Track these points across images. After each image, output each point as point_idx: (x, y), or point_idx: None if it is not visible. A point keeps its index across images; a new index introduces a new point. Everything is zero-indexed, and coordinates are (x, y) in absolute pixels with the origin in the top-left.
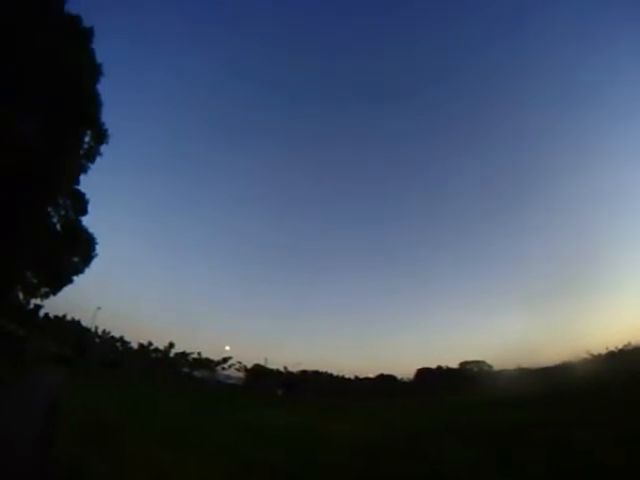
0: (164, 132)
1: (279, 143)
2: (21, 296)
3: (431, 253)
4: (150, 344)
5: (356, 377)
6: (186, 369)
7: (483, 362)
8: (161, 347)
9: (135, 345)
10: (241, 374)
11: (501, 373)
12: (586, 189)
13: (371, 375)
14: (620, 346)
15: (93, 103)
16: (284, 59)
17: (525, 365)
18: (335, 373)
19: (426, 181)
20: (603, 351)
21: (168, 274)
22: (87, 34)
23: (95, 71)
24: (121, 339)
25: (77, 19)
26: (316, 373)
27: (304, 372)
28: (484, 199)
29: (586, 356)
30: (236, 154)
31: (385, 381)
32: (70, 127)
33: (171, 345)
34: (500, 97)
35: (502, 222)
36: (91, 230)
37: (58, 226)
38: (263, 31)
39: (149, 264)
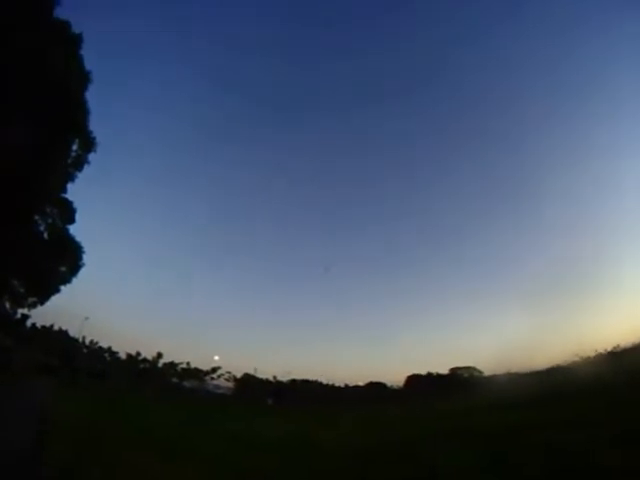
0: (153, 142)
1: (269, 151)
2: (8, 305)
3: (418, 260)
4: (138, 354)
5: (346, 385)
6: (175, 379)
7: (473, 367)
8: (149, 357)
9: (123, 355)
10: (230, 384)
11: (492, 378)
12: (583, 186)
13: (361, 383)
14: (609, 348)
15: (81, 111)
16: (269, 66)
17: (516, 369)
18: (325, 381)
19: (418, 183)
20: (592, 353)
21: (156, 284)
22: (76, 40)
23: (84, 78)
24: (109, 349)
25: (67, 24)
26: (306, 382)
27: (294, 381)
28: (480, 202)
29: (576, 359)
30: (225, 163)
31: (375, 388)
32: (58, 134)
33: (159, 355)
34: (494, 95)
35: (495, 225)
36: (78, 239)
37: (45, 234)
38: (249, 40)
39: (137, 274)
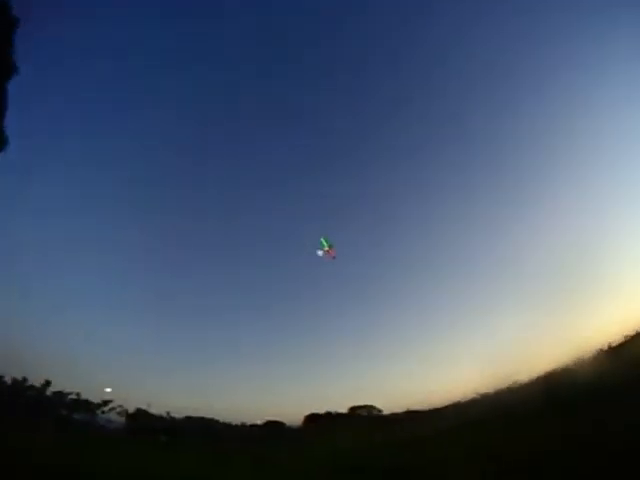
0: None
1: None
2: None
3: (321, 293)
4: (25, 380)
5: (242, 423)
6: (64, 411)
7: (372, 406)
8: (37, 384)
9: (9, 380)
10: (123, 419)
11: (391, 416)
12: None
13: (259, 421)
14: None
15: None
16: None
17: (415, 407)
18: (221, 419)
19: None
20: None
21: (46, 302)
22: (12, 24)
23: (10, 68)
24: None
25: (6, 5)
26: (201, 419)
27: (189, 418)
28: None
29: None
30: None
31: (273, 427)
32: None
33: (47, 383)
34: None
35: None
36: None
37: None
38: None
39: (29, 291)
